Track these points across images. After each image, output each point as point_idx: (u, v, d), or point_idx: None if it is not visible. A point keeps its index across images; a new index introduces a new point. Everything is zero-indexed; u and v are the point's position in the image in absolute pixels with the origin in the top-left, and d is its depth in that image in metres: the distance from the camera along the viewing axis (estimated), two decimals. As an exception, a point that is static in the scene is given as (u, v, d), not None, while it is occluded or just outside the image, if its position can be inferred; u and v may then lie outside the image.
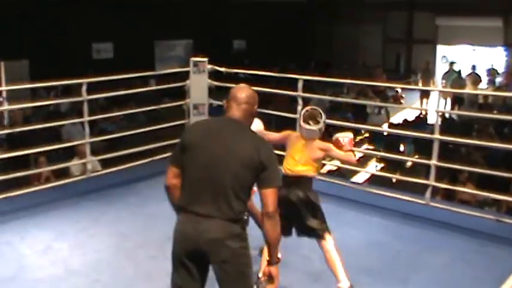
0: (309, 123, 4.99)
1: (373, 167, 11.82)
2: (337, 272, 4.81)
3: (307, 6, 21.55)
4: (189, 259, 3.51)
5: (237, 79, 9.15)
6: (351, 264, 4.96)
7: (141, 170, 8.00)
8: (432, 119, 13.80)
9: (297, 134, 5.20)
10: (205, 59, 8.57)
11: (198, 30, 18.86)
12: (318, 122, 4.98)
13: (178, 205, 3.59)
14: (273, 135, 5.27)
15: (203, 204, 3.45)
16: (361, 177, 10.31)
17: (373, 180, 9.57)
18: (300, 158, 4.96)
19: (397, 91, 18.50)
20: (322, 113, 5.05)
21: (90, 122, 8.16)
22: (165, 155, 8.49)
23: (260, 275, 4.46)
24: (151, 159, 8.27)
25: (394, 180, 9.32)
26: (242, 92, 3.66)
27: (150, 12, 18.04)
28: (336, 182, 7.66)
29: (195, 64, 8.53)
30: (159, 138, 8.58)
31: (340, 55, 22.52)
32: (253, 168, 3.43)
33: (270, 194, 3.45)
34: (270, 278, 3.64)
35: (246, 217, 4.27)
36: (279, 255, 3.71)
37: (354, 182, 8.43)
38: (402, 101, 18.55)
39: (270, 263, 3.63)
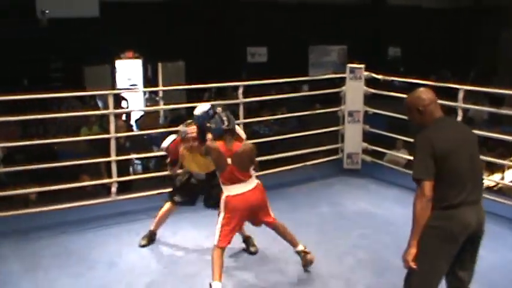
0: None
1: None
2: None
3: (470, 12, 20.64)
4: (459, 246, 3.87)
5: (391, 87, 9.00)
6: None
7: (291, 175, 8.00)
8: None
9: None
10: (362, 66, 8.42)
11: (353, 36, 18.66)
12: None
13: (447, 205, 3.79)
14: None
15: (472, 193, 3.82)
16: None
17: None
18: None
19: None
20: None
21: (244, 125, 8.27)
22: (316, 161, 8.48)
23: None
24: (303, 164, 8.24)
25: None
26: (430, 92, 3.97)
27: (306, 17, 18.07)
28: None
29: (352, 70, 8.41)
30: (310, 143, 8.55)
31: (507, 64, 21.20)
32: None
33: None
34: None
35: None
36: None
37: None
38: None
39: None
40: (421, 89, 4.00)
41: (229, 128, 4.94)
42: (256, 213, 5.16)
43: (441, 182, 3.76)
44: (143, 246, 6.04)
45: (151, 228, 6.15)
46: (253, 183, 5.07)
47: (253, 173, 5.09)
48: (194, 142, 5.55)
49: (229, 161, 4.88)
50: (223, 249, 4.99)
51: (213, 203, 5.58)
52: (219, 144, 4.93)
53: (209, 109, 5.20)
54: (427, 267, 3.86)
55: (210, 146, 4.98)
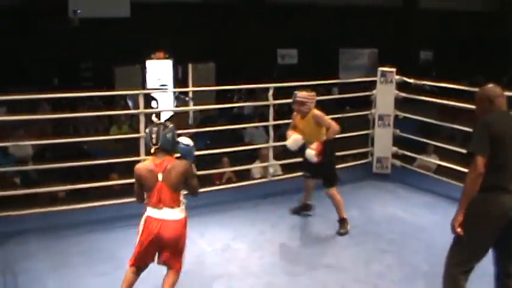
0: None
1: None
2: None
3: (504, 16, 20.37)
4: (499, 232, 4.09)
5: (422, 91, 8.90)
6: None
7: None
8: None
9: None
10: (394, 69, 8.34)
11: (384, 39, 18.54)
12: None
13: (491, 185, 4.05)
14: None
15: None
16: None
17: None
18: None
19: None
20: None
21: (273, 127, 8.26)
22: (346, 165, 8.42)
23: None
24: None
25: None
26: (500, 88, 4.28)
27: (337, 20, 18.00)
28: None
29: (383, 74, 8.33)
30: (339, 147, 8.49)
31: None
32: None
33: None
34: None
35: None
36: None
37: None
38: None
39: None
40: (492, 84, 4.34)
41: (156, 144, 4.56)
42: (167, 251, 4.63)
43: (491, 163, 4.02)
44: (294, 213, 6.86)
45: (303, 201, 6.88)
46: (174, 215, 4.57)
47: (182, 202, 4.63)
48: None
49: (160, 177, 4.53)
50: (132, 267, 4.68)
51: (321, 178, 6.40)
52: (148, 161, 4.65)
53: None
54: (466, 244, 4.13)
55: None
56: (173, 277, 4.66)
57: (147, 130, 4.63)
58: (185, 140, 4.74)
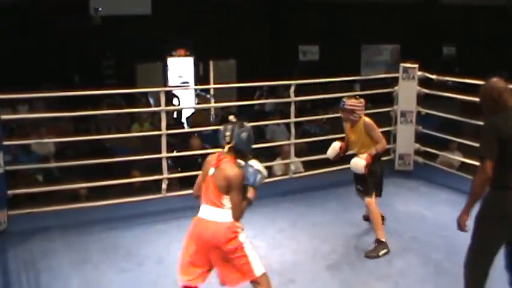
0: None
1: None
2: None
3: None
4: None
5: (445, 87, 8.81)
6: None
7: (342, 175, 7.89)
8: None
9: None
10: (416, 65, 8.27)
11: (406, 35, 18.40)
12: None
13: (504, 185, 4.11)
14: None
15: None
16: None
17: None
18: None
19: None
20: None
21: (295, 124, 8.24)
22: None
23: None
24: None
25: None
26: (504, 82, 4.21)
27: (358, 16, 17.90)
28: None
29: (405, 70, 8.27)
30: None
31: None
32: None
33: None
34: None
35: None
36: None
37: None
38: None
39: None
40: (495, 78, 4.24)
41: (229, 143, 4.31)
42: (213, 258, 4.28)
43: (501, 163, 4.06)
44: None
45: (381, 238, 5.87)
46: (217, 217, 4.23)
47: (226, 205, 4.22)
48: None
49: (211, 171, 4.28)
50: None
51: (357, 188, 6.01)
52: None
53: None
54: (481, 242, 4.21)
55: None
56: None
57: (221, 127, 4.38)
58: (255, 164, 4.39)
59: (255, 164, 4.38)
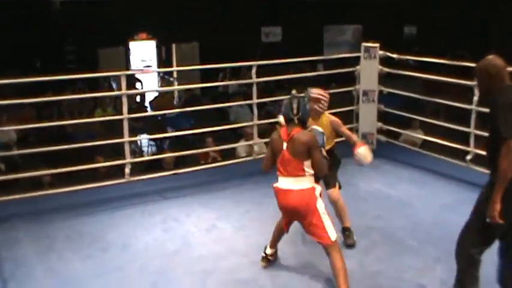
0: None
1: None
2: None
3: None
4: None
5: (407, 66, 8.88)
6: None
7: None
8: None
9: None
10: (377, 45, 8.33)
11: (368, 16, 18.46)
12: None
13: None
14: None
15: None
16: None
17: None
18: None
19: None
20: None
21: (258, 105, 8.24)
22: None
23: None
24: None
25: None
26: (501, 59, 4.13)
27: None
28: None
29: (366, 49, 8.32)
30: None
31: None
32: None
33: None
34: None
35: None
36: None
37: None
38: None
39: None
40: (492, 56, 4.15)
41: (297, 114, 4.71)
42: (301, 220, 4.78)
43: None
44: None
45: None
46: (299, 185, 4.67)
47: (308, 173, 4.67)
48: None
49: (284, 145, 4.69)
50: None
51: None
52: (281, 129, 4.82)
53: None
54: (489, 226, 4.02)
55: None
56: (333, 259, 4.61)
57: (285, 101, 4.77)
58: (317, 128, 4.90)
59: (316, 128, 4.90)
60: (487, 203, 3.97)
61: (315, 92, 5.55)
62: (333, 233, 4.65)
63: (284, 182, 4.72)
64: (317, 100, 5.48)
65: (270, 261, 5.20)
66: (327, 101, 5.59)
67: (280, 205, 4.82)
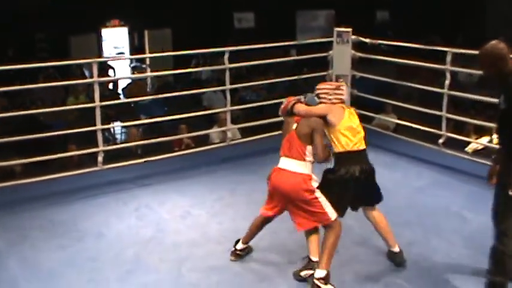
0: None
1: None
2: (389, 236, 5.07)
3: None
4: None
5: (380, 51, 8.91)
6: None
7: (279, 141, 7.95)
8: None
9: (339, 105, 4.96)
10: (350, 29, 8.35)
11: (340, 0, 18.48)
12: None
13: None
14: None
15: None
16: None
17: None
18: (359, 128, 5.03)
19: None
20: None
21: (231, 91, 8.22)
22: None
23: None
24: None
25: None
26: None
27: (293, -18, 17.90)
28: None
29: (339, 34, 8.34)
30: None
31: (495, 31, 20.80)
32: None
33: None
34: None
35: None
36: None
37: None
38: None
39: None
40: (495, 41, 4.15)
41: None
42: (290, 204, 4.79)
43: None
44: None
45: None
46: (296, 168, 4.71)
47: (307, 158, 4.72)
48: None
49: (294, 126, 4.81)
50: (261, 216, 5.05)
51: None
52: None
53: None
54: None
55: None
56: (328, 233, 4.72)
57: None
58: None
59: (311, 94, 4.99)
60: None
61: (318, 86, 5.28)
62: (332, 213, 4.70)
63: (283, 162, 4.78)
64: (320, 93, 5.18)
65: (239, 256, 5.17)
66: (329, 93, 5.08)
67: (271, 186, 4.81)
